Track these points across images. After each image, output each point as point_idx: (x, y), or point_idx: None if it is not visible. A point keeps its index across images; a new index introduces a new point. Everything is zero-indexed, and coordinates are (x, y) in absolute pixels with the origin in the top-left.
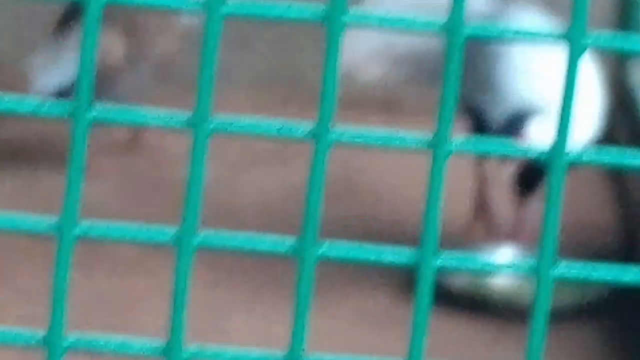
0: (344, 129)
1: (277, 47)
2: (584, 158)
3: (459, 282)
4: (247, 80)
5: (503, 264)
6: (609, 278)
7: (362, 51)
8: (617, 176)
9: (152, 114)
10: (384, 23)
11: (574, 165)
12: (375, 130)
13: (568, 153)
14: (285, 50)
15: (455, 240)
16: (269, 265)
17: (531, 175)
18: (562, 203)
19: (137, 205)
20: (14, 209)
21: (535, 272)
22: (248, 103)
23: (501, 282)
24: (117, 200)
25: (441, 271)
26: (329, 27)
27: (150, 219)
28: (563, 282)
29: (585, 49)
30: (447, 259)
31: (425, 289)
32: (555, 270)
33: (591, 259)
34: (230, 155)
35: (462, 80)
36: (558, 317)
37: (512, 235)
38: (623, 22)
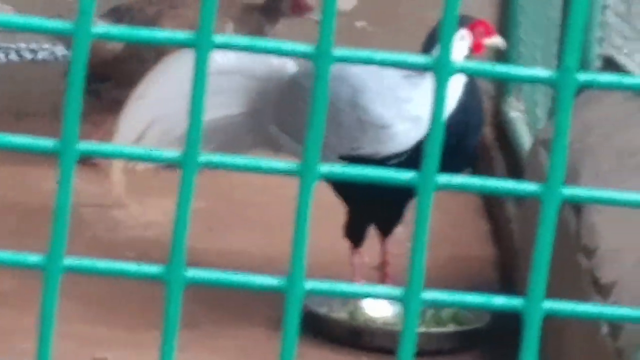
0: (210, 155)
1: None
2: (453, 182)
3: (338, 314)
4: None
5: (371, 290)
6: (476, 304)
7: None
8: (493, 210)
9: (18, 139)
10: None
11: (443, 190)
12: (245, 157)
13: (437, 179)
14: None
15: (334, 271)
16: (140, 298)
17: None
18: (441, 235)
19: (8, 232)
20: None
21: (403, 299)
22: None
23: (380, 313)
24: None
25: (319, 303)
26: None
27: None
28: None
29: (451, 75)
30: (316, 284)
31: (293, 315)
32: (422, 296)
33: (470, 290)
34: (106, 190)
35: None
36: (438, 345)
37: (379, 270)
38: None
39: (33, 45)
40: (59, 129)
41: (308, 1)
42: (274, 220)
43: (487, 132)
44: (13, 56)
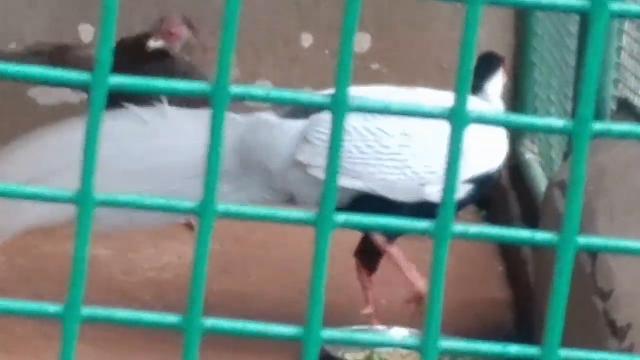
0: (228, 205)
1: None
2: (470, 232)
3: (355, 356)
4: None
5: (388, 339)
6: (493, 353)
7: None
8: (509, 252)
9: (38, 188)
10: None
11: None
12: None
13: (453, 227)
14: None
15: (350, 315)
16: (159, 340)
17: (371, 253)
18: (456, 277)
19: (27, 280)
20: None
21: (420, 348)
22: None
23: (396, 357)
24: (8, 275)
25: (334, 345)
26: None
27: (41, 294)
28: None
29: (467, 125)
30: (333, 334)
31: None
32: (440, 345)
33: (486, 333)
34: (122, 233)
35: None
36: None
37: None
38: (516, 100)
39: None
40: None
41: (178, 31)
42: (291, 262)
43: (503, 174)
44: None
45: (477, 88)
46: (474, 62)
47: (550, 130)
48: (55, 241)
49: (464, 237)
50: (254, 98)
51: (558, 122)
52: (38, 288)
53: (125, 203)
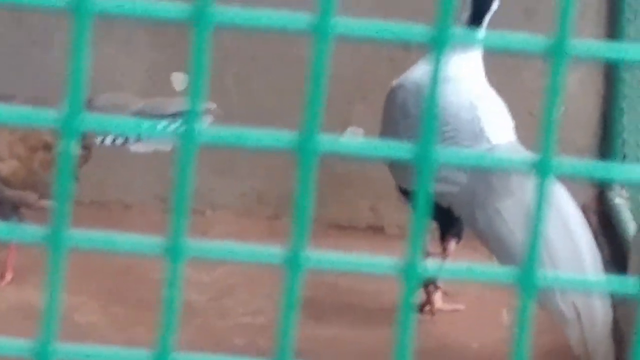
0: (318, 253)
1: (260, 170)
2: (559, 280)
3: None
4: (232, 203)
5: None
6: None
7: None
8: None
9: (126, 238)
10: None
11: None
12: (349, 255)
13: (538, 280)
14: (267, 173)
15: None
16: None
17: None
18: (542, 324)
19: (122, 326)
20: None
21: None
22: (232, 226)
23: None
24: (104, 321)
25: None
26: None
27: (136, 341)
28: None
29: (552, 176)
30: None
31: None
32: None
33: None
34: (216, 278)
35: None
36: None
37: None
38: (604, 149)
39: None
40: (165, 220)
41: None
42: (380, 308)
43: (592, 219)
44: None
45: (477, 19)
46: (559, 112)
47: (637, 180)
48: (149, 287)
49: (550, 285)
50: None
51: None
52: (132, 334)
53: (214, 252)
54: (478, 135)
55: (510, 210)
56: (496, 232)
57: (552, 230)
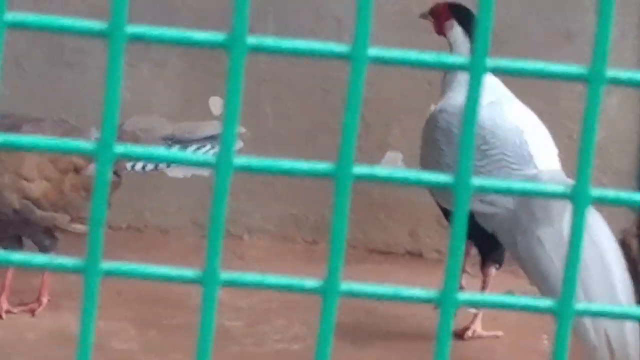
0: (352, 283)
1: (297, 194)
2: (591, 309)
3: None
4: (267, 228)
5: None
6: None
7: None
8: None
9: (162, 267)
10: None
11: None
12: (384, 284)
13: (575, 310)
14: (304, 198)
15: None
16: None
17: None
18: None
19: (158, 353)
20: None
21: None
22: (270, 251)
23: None
24: (141, 347)
25: None
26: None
27: None
28: None
29: (589, 204)
30: None
31: None
32: None
33: None
34: (252, 303)
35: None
36: None
37: None
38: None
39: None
40: (201, 245)
41: None
42: (418, 334)
43: (633, 244)
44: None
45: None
46: (596, 137)
47: None
48: (185, 313)
49: (588, 314)
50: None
51: None
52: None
53: (250, 282)
54: (527, 159)
55: (551, 239)
56: (536, 259)
57: (587, 261)
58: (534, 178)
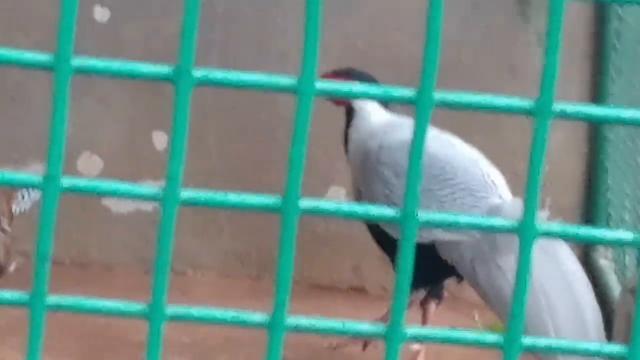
0: (299, 318)
1: (242, 230)
2: (539, 345)
3: None
4: (211, 264)
5: None
6: None
7: None
8: None
9: (107, 301)
10: None
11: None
12: (333, 318)
13: (522, 344)
14: (248, 233)
15: None
16: None
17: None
18: None
19: None
20: None
21: None
22: (214, 287)
23: None
24: None
25: None
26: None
27: None
28: None
29: (535, 239)
30: None
31: None
32: None
33: None
34: (197, 340)
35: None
36: None
37: None
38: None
39: None
40: (146, 282)
41: None
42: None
43: None
44: None
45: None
46: (544, 172)
47: (619, 243)
48: (129, 347)
49: (530, 350)
50: (323, 213)
51: (627, 235)
52: None
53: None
54: (492, 187)
55: (512, 267)
56: (497, 288)
57: (554, 289)
58: (498, 207)
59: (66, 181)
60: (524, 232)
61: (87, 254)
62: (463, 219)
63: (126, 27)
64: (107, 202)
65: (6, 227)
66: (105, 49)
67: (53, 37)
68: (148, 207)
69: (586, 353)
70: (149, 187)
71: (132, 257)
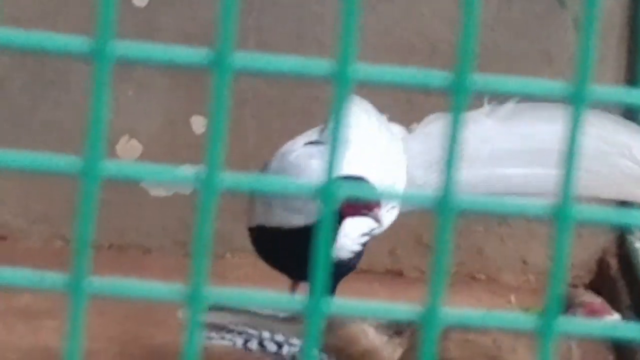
0: (334, 301)
1: None
2: (576, 327)
3: None
4: (250, 247)
5: None
6: None
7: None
8: (622, 346)
9: (147, 285)
10: None
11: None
12: (367, 302)
13: (559, 322)
14: None
15: None
16: None
17: None
18: None
19: None
20: None
21: None
22: (252, 271)
23: None
24: None
25: None
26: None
27: None
28: None
29: (573, 225)
30: None
31: None
32: None
33: None
34: None
35: None
36: None
37: None
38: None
39: (278, 338)
40: (184, 265)
41: None
42: None
43: (612, 263)
44: (253, 345)
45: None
46: (579, 159)
47: None
48: (169, 331)
49: (571, 331)
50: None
51: None
52: None
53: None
54: None
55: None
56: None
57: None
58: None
59: (106, 166)
60: (561, 218)
61: (125, 237)
62: (507, 202)
63: (164, 13)
64: (145, 185)
65: None
66: (143, 34)
67: (90, 22)
68: (186, 190)
69: (613, 333)
70: (189, 171)
71: (169, 241)
